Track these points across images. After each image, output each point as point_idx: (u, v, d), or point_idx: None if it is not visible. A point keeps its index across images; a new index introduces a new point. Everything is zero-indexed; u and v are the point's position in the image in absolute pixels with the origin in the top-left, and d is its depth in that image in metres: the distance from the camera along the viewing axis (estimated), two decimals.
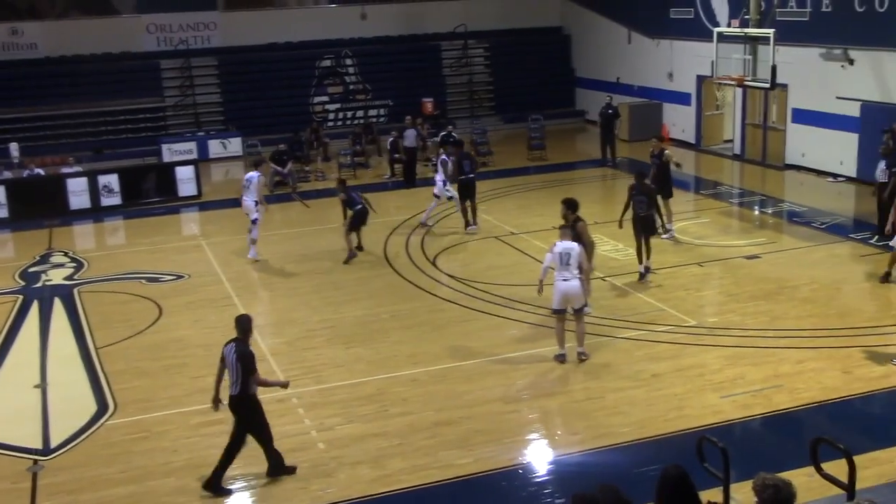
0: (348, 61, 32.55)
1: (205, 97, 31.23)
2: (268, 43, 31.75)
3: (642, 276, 15.72)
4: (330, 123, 31.64)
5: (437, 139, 25.95)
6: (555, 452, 10.29)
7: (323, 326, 14.46)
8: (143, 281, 17.15)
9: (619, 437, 10.44)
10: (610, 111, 26.33)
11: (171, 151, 28.49)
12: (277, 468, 9.86)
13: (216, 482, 9.64)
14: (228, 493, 9.65)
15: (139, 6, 31.47)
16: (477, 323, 14.28)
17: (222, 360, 9.58)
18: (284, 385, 10.60)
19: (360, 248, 18.27)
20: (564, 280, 12.18)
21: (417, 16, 33.52)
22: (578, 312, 12.43)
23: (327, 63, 32.30)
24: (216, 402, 9.85)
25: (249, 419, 9.63)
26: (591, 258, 13.73)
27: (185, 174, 24.18)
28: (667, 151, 18.74)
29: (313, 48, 32.13)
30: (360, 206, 17.99)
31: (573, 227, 13.10)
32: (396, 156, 25.11)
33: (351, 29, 32.61)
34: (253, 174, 18.10)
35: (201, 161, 26.96)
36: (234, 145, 29.53)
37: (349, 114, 32.29)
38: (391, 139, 25.40)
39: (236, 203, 23.16)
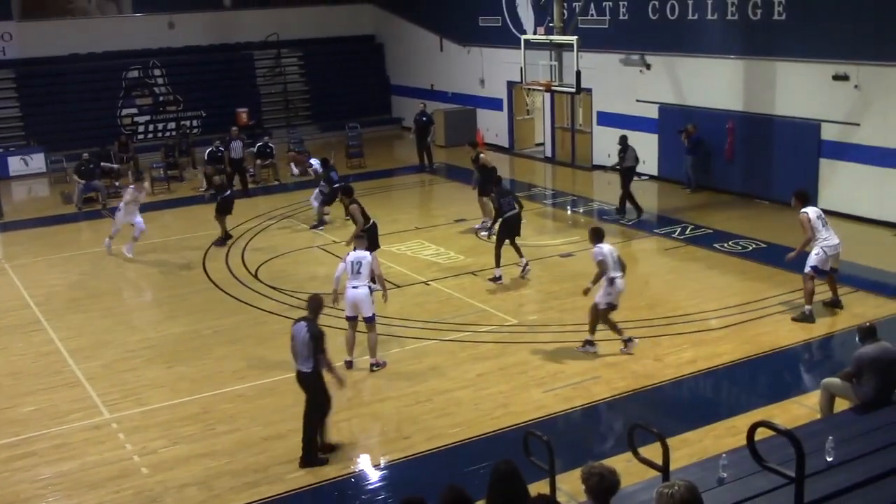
0: (157, 72, 31.46)
1: (2, 111, 29.39)
2: (69, 53, 30.19)
3: (524, 269, 16.12)
4: (140, 136, 30.53)
5: (254, 150, 25.61)
6: (386, 458, 10.34)
7: (142, 346, 13.95)
8: None
9: (449, 437, 10.61)
10: (424, 118, 26.70)
11: None
12: (310, 460, 10.09)
13: (310, 458, 10.09)
14: (325, 461, 10.13)
15: None
16: None
17: (293, 338, 10.02)
18: (341, 381, 10.46)
19: (227, 235, 19.32)
20: (354, 288, 12.46)
21: (227, 25, 32.84)
22: (368, 321, 12.62)
23: (135, 74, 31.08)
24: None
25: (313, 396, 10.06)
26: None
27: None
28: (482, 154, 19.70)
29: (119, 58, 30.86)
30: (227, 193, 19.41)
31: (348, 209, 15.58)
32: (221, 167, 24.47)
33: (158, 39, 31.51)
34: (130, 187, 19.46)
35: (1, 179, 25.41)
36: (37, 161, 27.92)
37: (160, 126, 31.25)
38: (211, 150, 24.75)
39: (41, 223, 22.16)
